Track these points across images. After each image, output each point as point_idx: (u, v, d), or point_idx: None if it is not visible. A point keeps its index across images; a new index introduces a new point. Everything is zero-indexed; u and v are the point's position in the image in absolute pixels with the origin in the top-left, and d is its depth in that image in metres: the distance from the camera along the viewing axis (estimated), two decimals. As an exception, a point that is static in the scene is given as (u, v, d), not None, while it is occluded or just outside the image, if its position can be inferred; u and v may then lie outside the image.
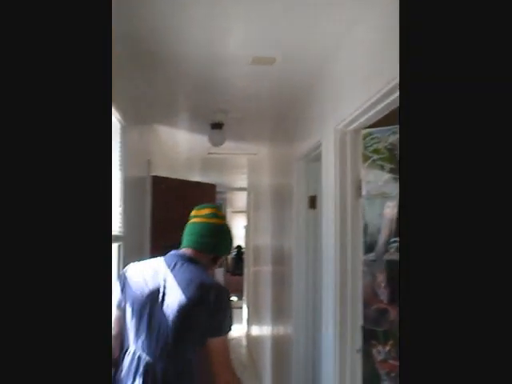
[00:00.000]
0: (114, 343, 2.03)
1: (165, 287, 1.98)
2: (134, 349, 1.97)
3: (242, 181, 8.87)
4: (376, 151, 2.50)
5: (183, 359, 1.95)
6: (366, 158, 2.54)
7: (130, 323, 2.00)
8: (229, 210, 12.93)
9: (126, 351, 2.00)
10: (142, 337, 1.95)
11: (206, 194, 5.08)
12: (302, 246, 3.84)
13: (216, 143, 4.52)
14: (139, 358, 1.95)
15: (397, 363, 2.39)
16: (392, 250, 2.41)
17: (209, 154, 6.09)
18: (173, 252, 2.15)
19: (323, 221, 2.81)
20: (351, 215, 2.57)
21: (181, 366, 1.94)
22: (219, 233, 2.17)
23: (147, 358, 1.93)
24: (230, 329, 2.00)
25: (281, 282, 4.75)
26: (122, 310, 2.05)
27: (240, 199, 10.92)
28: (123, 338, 2.04)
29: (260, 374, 6.24)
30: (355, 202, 2.58)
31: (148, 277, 2.04)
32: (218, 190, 5.62)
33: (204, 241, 2.13)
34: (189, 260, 2.08)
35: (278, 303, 4.92)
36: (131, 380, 1.93)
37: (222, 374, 1.96)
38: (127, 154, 3.14)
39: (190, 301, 1.91)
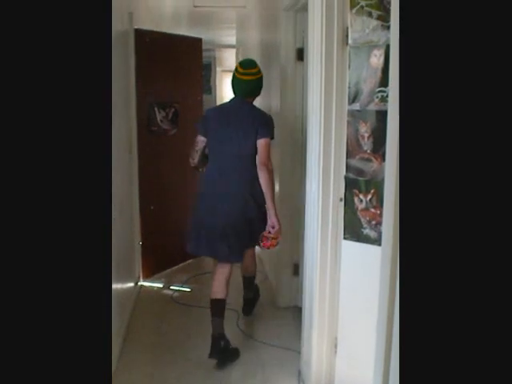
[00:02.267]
0: (196, 155, 3.42)
1: (235, 120, 3.31)
2: (214, 159, 3.38)
3: (230, 37, 8.59)
4: (364, -4, 2.40)
5: (248, 165, 3.31)
6: (353, 5, 2.44)
7: (211, 145, 3.36)
8: (218, 70, 12.66)
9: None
10: (218, 153, 3.34)
11: (191, 47, 4.91)
12: (289, 102, 3.80)
13: (200, -7, 4.31)
14: (217, 167, 3.35)
15: (377, 211, 2.47)
16: (377, 100, 2.39)
17: (195, 7, 5.83)
18: (234, 98, 3.43)
19: (309, 71, 2.75)
20: (337, 64, 2.51)
21: (246, 171, 3.31)
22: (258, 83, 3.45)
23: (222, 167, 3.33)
24: (271, 136, 3.30)
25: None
26: (205, 137, 3.36)
27: (229, 57, 10.65)
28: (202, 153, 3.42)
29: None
30: (341, 51, 2.50)
31: (222, 116, 3.38)
32: (206, 47, 5.43)
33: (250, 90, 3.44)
34: (246, 102, 3.41)
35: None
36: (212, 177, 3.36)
37: (262, 159, 3.24)
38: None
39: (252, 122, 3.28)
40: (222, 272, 3.36)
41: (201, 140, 3.38)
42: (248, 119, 3.27)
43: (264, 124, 3.28)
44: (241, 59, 7.72)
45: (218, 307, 3.32)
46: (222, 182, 3.31)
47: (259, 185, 3.25)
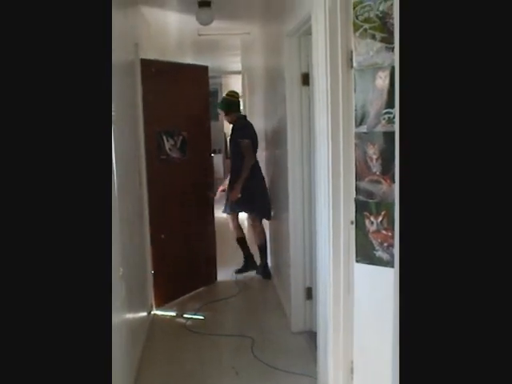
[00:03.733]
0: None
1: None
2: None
3: (236, 63, 8.66)
4: (367, 20, 2.41)
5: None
6: (356, 28, 2.45)
7: (254, 147, 5.22)
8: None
9: None
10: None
11: (198, 76, 4.95)
12: (295, 125, 3.81)
13: (204, 22, 4.36)
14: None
15: (389, 233, 2.45)
16: (384, 122, 2.39)
17: (199, 35, 5.89)
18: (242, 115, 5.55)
19: (315, 95, 2.76)
20: (342, 88, 2.52)
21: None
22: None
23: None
24: None
25: (276, 164, 4.78)
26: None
27: (235, 83, 10.74)
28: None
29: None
30: (346, 74, 2.52)
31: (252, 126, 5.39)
32: (212, 74, 5.48)
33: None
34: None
35: (275, 184, 4.98)
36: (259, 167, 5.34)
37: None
38: (113, 37, 3.03)
39: None
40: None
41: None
42: None
43: None
44: (246, 84, 7.87)
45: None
46: (260, 170, 5.29)
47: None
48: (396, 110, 1.70)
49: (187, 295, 4.96)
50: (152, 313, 4.48)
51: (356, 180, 2.56)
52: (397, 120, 1.68)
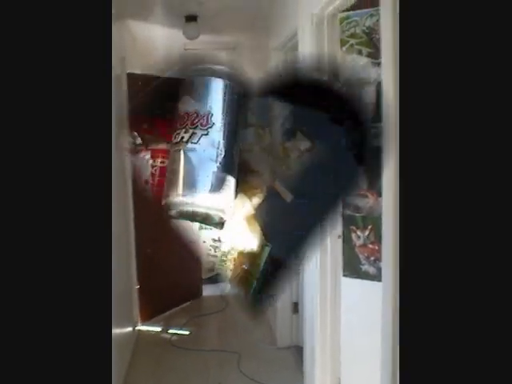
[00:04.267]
0: None
1: None
2: None
3: (221, 78, 8.68)
4: (353, 35, 2.43)
5: None
6: (343, 43, 2.47)
7: None
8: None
9: None
10: None
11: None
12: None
13: (190, 36, 4.39)
14: None
15: (375, 247, 2.46)
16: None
17: (185, 49, 5.91)
18: None
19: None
20: (329, 102, 2.54)
21: None
22: None
23: None
24: None
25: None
26: None
27: (221, 97, 10.75)
28: None
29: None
30: (333, 89, 2.53)
31: None
32: (197, 88, 5.48)
33: None
34: None
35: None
36: None
37: None
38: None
39: None
40: None
41: None
42: None
43: None
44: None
45: None
46: None
47: None
48: (383, 125, 1.71)
49: (173, 310, 4.92)
50: (137, 328, 4.44)
51: (343, 194, 2.56)
52: (383, 135, 1.68)
